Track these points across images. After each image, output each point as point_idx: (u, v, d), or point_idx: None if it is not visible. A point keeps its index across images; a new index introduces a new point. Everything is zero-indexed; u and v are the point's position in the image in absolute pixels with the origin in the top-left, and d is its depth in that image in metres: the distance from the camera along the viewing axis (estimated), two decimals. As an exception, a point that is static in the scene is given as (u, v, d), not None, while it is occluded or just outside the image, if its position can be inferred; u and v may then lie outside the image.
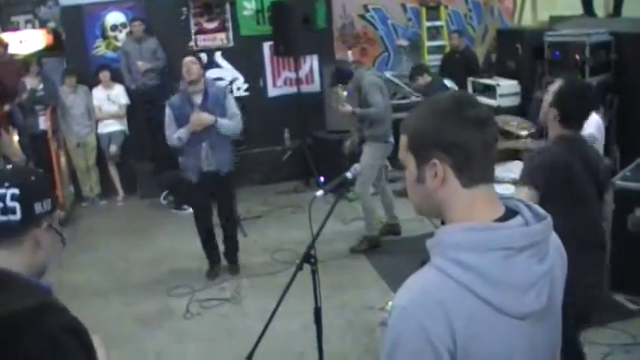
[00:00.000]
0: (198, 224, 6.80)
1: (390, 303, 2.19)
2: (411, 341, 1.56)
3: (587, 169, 3.52)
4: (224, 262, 6.99)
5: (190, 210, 9.06)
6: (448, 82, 8.82)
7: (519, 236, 1.62)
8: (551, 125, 3.59)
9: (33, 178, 2.05)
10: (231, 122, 6.51)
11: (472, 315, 1.56)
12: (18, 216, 1.97)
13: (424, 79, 7.93)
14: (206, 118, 6.36)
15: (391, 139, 7.12)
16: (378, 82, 7.19)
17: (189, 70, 6.38)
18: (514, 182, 6.13)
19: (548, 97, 3.60)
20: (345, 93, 7.39)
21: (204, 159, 6.46)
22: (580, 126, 3.60)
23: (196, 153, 6.47)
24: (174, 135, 6.42)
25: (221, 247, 6.98)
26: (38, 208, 2.02)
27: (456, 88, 8.71)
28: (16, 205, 1.97)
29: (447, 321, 1.54)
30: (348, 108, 7.13)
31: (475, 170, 1.66)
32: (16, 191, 1.97)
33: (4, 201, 1.95)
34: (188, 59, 6.50)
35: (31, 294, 1.93)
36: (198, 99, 6.44)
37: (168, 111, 6.50)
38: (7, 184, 1.96)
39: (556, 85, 3.61)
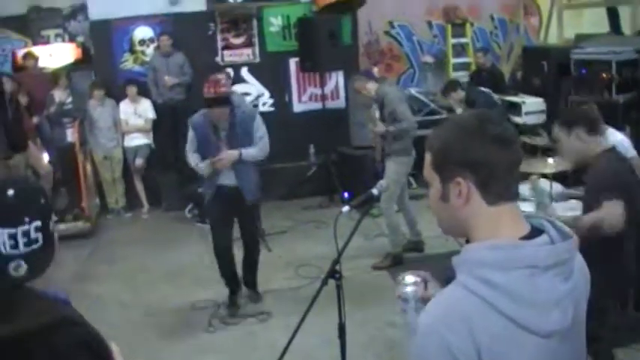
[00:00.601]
0: (214, 242, 6.33)
1: (406, 277, 2.20)
2: (435, 356, 1.57)
3: (635, 178, 3.58)
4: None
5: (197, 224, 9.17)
6: (483, 89, 8.74)
7: (545, 255, 1.62)
8: (581, 144, 3.63)
9: (43, 200, 2.08)
10: (258, 148, 6.08)
11: (497, 332, 1.57)
12: (40, 242, 2.02)
13: (458, 95, 7.86)
14: (232, 155, 5.91)
15: (413, 153, 7.11)
16: (403, 96, 7.19)
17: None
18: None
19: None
20: (377, 112, 7.32)
21: (221, 174, 6.06)
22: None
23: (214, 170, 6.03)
24: (193, 163, 6.06)
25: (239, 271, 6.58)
26: (52, 225, 2.07)
27: (494, 95, 8.61)
28: (39, 234, 2.01)
29: (471, 337, 1.55)
30: (381, 127, 7.05)
31: (499, 188, 1.67)
32: (38, 223, 2.01)
33: (28, 236, 1.98)
34: (213, 77, 6.05)
35: (46, 310, 1.97)
36: (224, 124, 5.97)
37: (190, 132, 6.09)
38: (27, 219, 1.98)
39: None
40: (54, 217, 2.09)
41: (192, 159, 6.08)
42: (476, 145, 1.66)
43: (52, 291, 2.11)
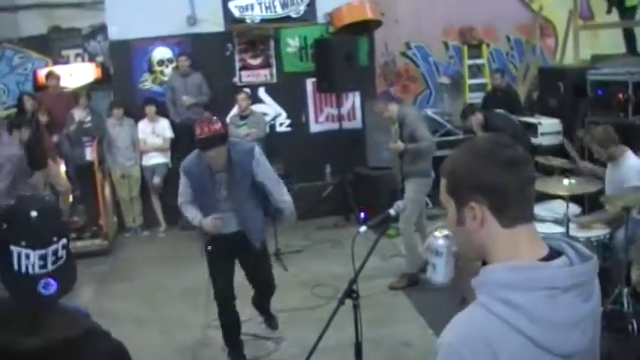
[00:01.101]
0: (215, 292, 5.62)
1: (438, 230, 2.17)
2: None
3: None
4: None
5: None
6: (500, 110, 8.74)
7: (564, 276, 1.64)
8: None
9: (62, 218, 2.15)
10: (287, 210, 5.54)
11: (517, 353, 1.59)
12: (64, 258, 2.07)
13: (477, 118, 7.82)
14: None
15: (432, 174, 7.14)
16: (421, 117, 7.22)
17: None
18: (556, 221, 6.14)
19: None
20: (396, 129, 7.33)
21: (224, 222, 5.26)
22: None
23: (213, 211, 5.23)
24: (192, 217, 5.28)
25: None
26: (68, 242, 2.12)
27: (512, 116, 8.61)
28: (64, 251, 2.07)
29: (492, 357, 1.57)
30: (400, 145, 7.04)
31: (513, 211, 1.70)
32: (64, 241, 2.06)
33: (56, 254, 2.03)
34: (204, 117, 5.51)
35: (71, 323, 2.02)
36: (220, 167, 5.16)
37: (183, 179, 5.32)
38: (55, 239, 2.03)
39: None
40: (69, 234, 2.14)
41: (190, 213, 5.29)
42: (487, 170, 1.69)
43: (72, 305, 2.15)
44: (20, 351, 1.92)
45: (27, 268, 1.97)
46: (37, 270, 1.98)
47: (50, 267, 2.01)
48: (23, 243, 1.97)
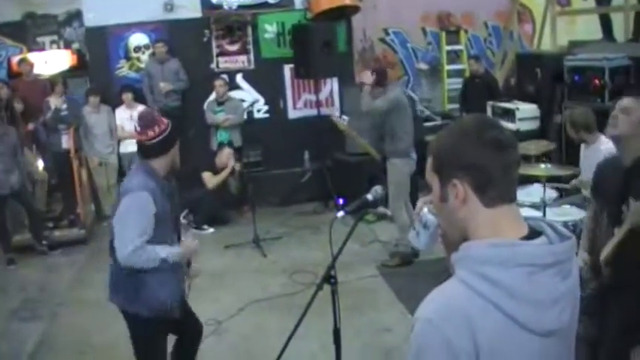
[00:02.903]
0: None
1: (431, 206, 2.17)
2: (434, 353, 1.59)
3: None
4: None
5: (210, 230, 9.17)
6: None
7: (544, 254, 1.65)
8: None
9: None
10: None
11: (496, 329, 1.59)
12: None
13: None
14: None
15: (413, 155, 7.16)
16: (397, 97, 7.21)
17: None
18: (534, 206, 6.17)
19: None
20: (343, 120, 7.43)
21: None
22: None
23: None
24: (161, 257, 3.93)
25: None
26: None
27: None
28: None
29: (471, 334, 1.57)
30: (353, 132, 7.45)
31: (496, 191, 1.70)
32: None
33: None
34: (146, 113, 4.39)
35: None
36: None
37: (146, 210, 3.87)
38: None
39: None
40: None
41: (159, 253, 3.94)
42: (472, 149, 1.69)
43: None
44: None
45: None
46: None
47: None
48: None
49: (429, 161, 1.81)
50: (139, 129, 4.12)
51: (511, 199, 1.74)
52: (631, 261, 3.57)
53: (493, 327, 1.59)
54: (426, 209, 2.12)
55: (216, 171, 9.29)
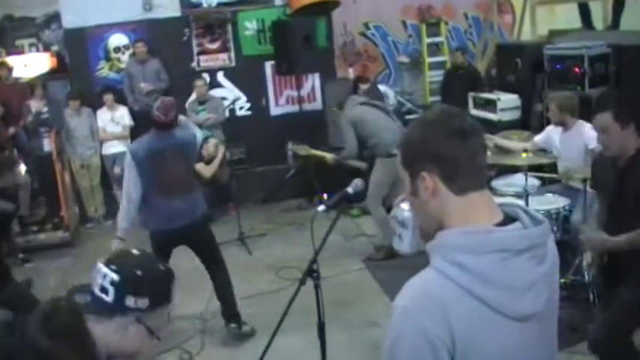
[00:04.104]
0: None
1: (403, 205, 2.18)
2: (411, 341, 1.60)
3: None
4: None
5: None
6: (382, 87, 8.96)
7: (518, 239, 1.66)
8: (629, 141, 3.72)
9: (139, 272, 2.12)
10: None
11: (471, 316, 1.60)
12: (110, 298, 2.08)
13: None
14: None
15: (394, 152, 7.18)
16: (350, 120, 7.35)
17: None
18: (517, 195, 6.20)
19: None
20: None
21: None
22: None
23: None
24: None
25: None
26: (130, 301, 2.09)
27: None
28: (110, 288, 2.07)
29: (446, 322, 1.58)
30: (330, 157, 7.93)
31: (464, 179, 1.72)
32: (115, 277, 2.07)
33: (103, 280, 2.07)
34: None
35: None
36: None
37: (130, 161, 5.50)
38: (113, 267, 2.08)
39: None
40: (141, 301, 2.11)
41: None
42: (437, 140, 1.71)
43: (103, 357, 2.11)
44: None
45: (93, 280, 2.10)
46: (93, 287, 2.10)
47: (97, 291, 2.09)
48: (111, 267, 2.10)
49: (398, 156, 1.83)
50: None
51: (481, 185, 1.76)
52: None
53: (468, 313, 1.60)
54: (399, 208, 2.13)
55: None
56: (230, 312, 5.86)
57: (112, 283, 2.06)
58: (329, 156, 7.91)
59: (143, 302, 2.09)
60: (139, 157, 5.46)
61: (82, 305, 2.04)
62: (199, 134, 5.98)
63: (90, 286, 2.09)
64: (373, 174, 7.21)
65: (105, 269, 2.08)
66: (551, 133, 6.48)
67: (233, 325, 5.80)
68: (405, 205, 2.18)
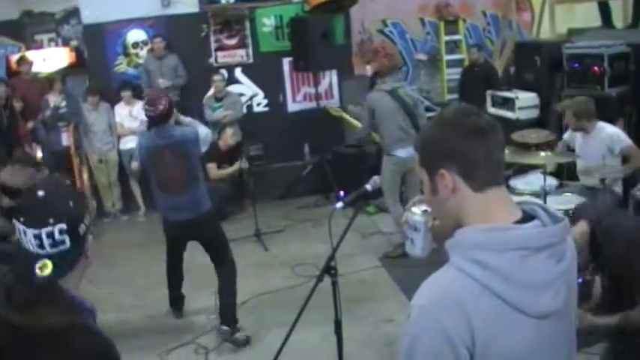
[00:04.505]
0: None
1: (415, 206, 2.19)
2: (430, 339, 1.60)
3: None
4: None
5: None
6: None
7: (537, 237, 1.66)
8: None
9: (71, 203, 2.09)
10: None
11: (490, 314, 1.60)
12: (67, 245, 2.03)
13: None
14: None
15: (397, 153, 7.15)
16: (371, 102, 7.36)
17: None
18: (535, 194, 6.17)
19: None
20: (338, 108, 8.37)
21: None
22: None
23: None
24: None
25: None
26: (82, 229, 2.08)
27: None
28: (65, 237, 2.03)
29: (465, 319, 1.58)
30: (346, 116, 8.02)
31: (482, 175, 1.72)
32: (63, 226, 2.02)
33: (53, 237, 2.01)
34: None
35: (63, 314, 1.98)
36: None
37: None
38: (51, 221, 2.00)
39: None
40: (86, 222, 2.10)
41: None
42: (453, 137, 1.73)
43: (80, 298, 2.12)
44: (4, 324, 1.92)
45: (27, 244, 2.00)
46: (35, 248, 2.00)
47: (49, 249, 2.00)
48: (22, 219, 2.00)
49: (417, 156, 1.84)
50: None
51: (499, 182, 1.76)
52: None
53: (487, 311, 1.60)
54: (410, 212, 2.14)
55: (221, 155, 9.24)
56: (225, 314, 5.76)
57: (63, 231, 2.01)
58: (358, 126, 7.90)
59: (87, 218, 2.10)
60: (141, 152, 5.63)
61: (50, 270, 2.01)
62: (206, 132, 5.91)
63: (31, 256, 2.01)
64: (382, 170, 7.28)
65: (47, 229, 2.00)
66: (573, 134, 6.49)
67: (225, 328, 5.69)
68: (415, 209, 2.18)
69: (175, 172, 5.51)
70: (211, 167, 9.17)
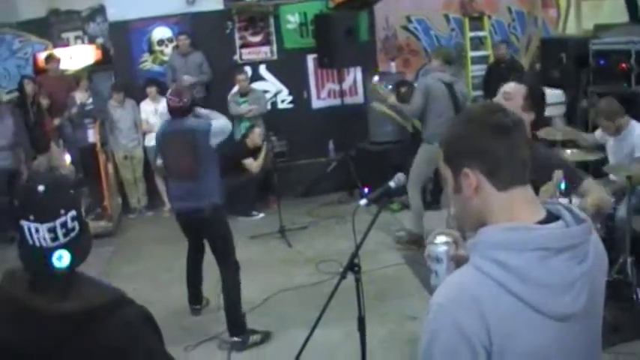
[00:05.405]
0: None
1: (437, 237, 2.21)
2: (447, 337, 1.60)
3: None
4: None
5: (261, 215, 9.33)
6: None
7: (558, 237, 1.65)
8: None
9: (72, 191, 2.14)
10: None
11: (508, 313, 1.59)
12: (77, 229, 2.09)
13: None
14: None
15: (435, 144, 7.14)
16: (428, 86, 7.34)
17: None
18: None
19: None
20: (385, 88, 8.14)
21: None
22: None
23: None
24: None
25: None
26: (83, 213, 2.14)
27: None
28: (75, 223, 2.08)
29: (481, 317, 1.58)
30: (393, 99, 7.77)
31: (506, 174, 1.72)
32: (74, 213, 2.07)
33: (66, 226, 2.05)
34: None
35: (104, 291, 2.09)
36: None
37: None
38: (63, 211, 2.04)
39: None
40: (84, 201, 2.17)
41: None
42: (476, 135, 1.72)
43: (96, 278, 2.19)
44: (55, 315, 1.96)
45: (39, 241, 2.02)
46: (49, 243, 2.03)
47: (62, 239, 2.04)
48: (31, 217, 2.01)
49: (441, 153, 1.83)
50: None
51: (523, 180, 1.75)
52: None
53: (505, 310, 1.59)
54: (432, 244, 2.16)
55: (248, 152, 9.28)
56: (232, 324, 5.72)
57: (74, 218, 2.06)
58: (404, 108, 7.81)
59: (84, 200, 2.16)
60: (157, 137, 5.92)
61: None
62: (224, 122, 5.80)
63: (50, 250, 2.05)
64: (416, 156, 7.34)
65: (60, 219, 2.04)
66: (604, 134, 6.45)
67: (236, 339, 5.68)
68: (437, 240, 2.20)
69: (182, 159, 5.59)
70: (250, 162, 9.21)
